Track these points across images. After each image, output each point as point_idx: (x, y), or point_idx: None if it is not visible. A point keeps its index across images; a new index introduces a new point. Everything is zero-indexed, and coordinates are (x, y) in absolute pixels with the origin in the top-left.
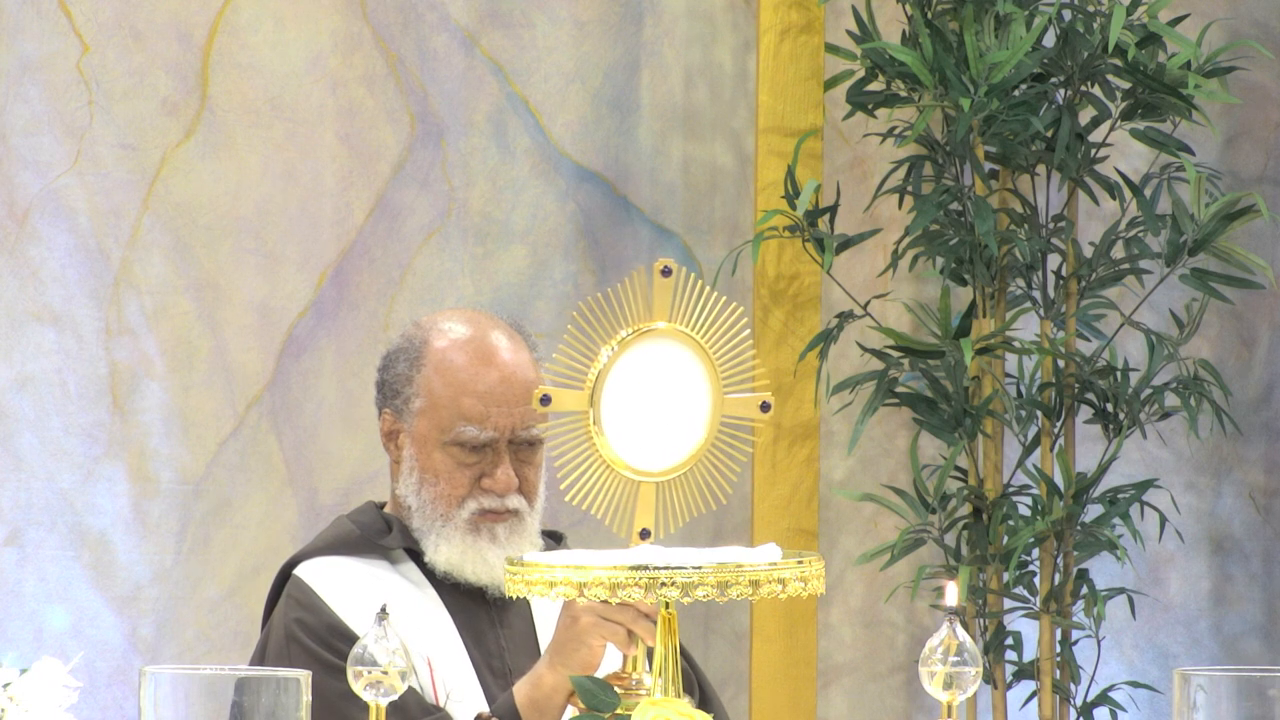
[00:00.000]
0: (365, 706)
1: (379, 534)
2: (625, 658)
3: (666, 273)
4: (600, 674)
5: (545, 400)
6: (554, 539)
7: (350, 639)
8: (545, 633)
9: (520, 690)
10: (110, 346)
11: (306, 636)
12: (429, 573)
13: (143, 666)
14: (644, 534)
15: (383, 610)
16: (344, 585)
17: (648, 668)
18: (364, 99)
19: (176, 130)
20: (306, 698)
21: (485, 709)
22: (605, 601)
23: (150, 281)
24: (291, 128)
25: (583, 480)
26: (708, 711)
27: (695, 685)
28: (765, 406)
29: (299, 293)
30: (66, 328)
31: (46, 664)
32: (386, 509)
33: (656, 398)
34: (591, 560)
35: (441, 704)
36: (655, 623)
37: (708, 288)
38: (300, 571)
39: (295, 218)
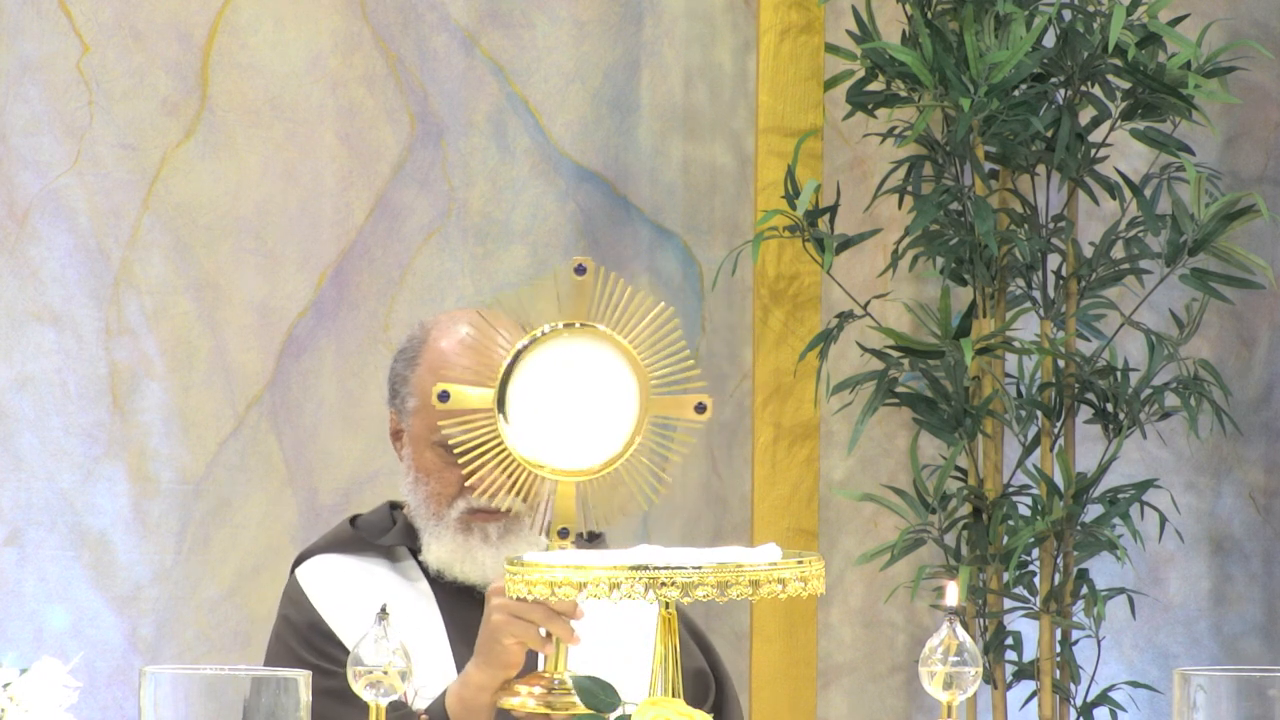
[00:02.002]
0: (343, 702)
1: (378, 533)
2: (545, 657)
3: (581, 271)
4: (522, 673)
5: (444, 396)
6: (588, 539)
7: (328, 637)
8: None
9: (451, 689)
10: (110, 346)
11: (288, 633)
12: (427, 571)
13: (143, 666)
14: (562, 533)
15: (382, 610)
16: (332, 584)
17: (568, 667)
18: (364, 99)
19: (176, 130)
20: (306, 698)
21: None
22: (522, 599)
23: (150, 281)
24: (291, 128)
25: (492, 477)
26: (724, 709)
27: (710, 683)
28: (700, 408)
29: (299, 293)
30: (66, 328)
31: (46, 664)
32: (405, 508)
33: (574, 397)
34: (591, 560)
35: (409, 701)
36: (571, 622)
37: (630, 287)
38: (298, 569)
39: (295, 218)
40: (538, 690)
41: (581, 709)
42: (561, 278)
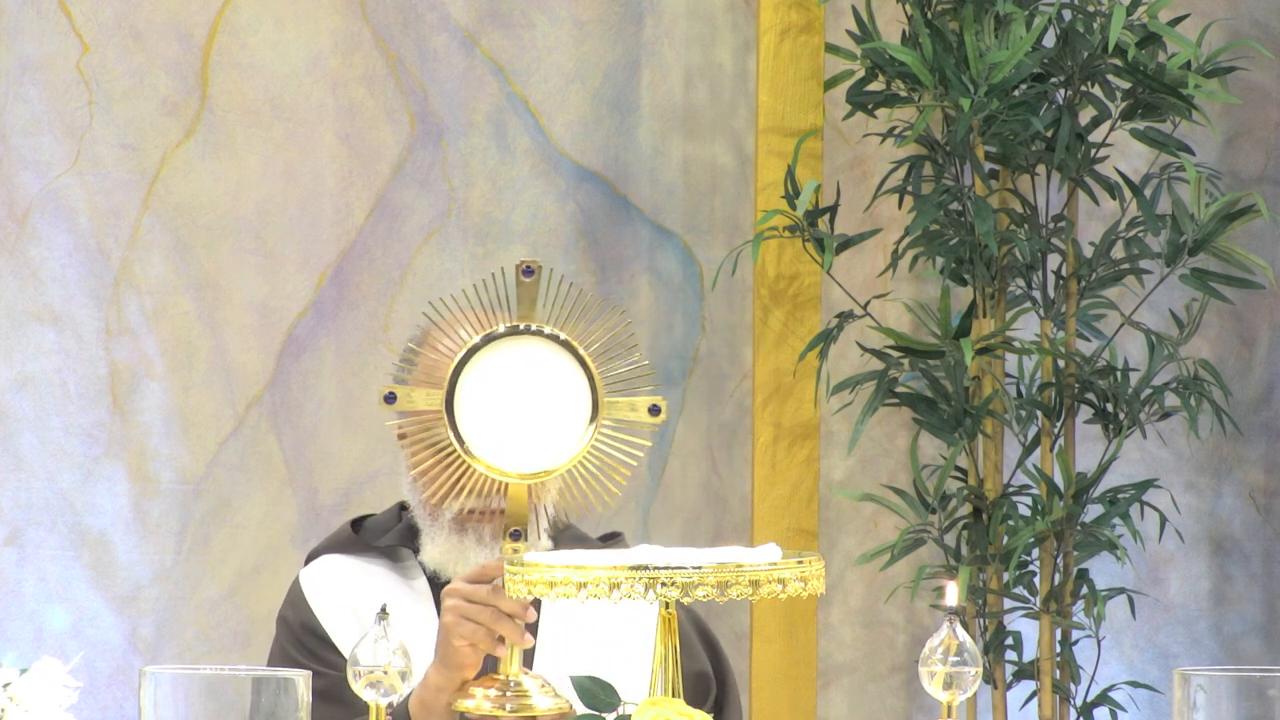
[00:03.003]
0: (330, 702)
1: (381, 534)
2: (499, 659)
3: (528, 273)
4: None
5: (390, 398)
6: (605, 540)
7: (321, 638)
8: (548, 633)
9: (414, 690)
10: (110, 346)
11: (283, 632)
12: (427, 571)
13: (143, 666)
14: (514, 535)
15: (383, 610)
16: (329, 585)
17: (526, 668)
18: (364, 99)
19: (176, 130)
20: (306, 698)
21: None
22: (471, 600)
23: (150, 281)
24: (291, 128)
25: (443, 479)
26: (725, 709)
27: (710, 685)
28: (654, 410)
29: (299, 293)
30: (66, 328)
31: (46, 664)
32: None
33: (522, 400)
34: (591, 560)
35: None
36: (521, 623)
37: (581, 289)
38: (302, 570)
39: (295, 218)
40: (493, 692)
41: (536, 710)
42: (510, 279)
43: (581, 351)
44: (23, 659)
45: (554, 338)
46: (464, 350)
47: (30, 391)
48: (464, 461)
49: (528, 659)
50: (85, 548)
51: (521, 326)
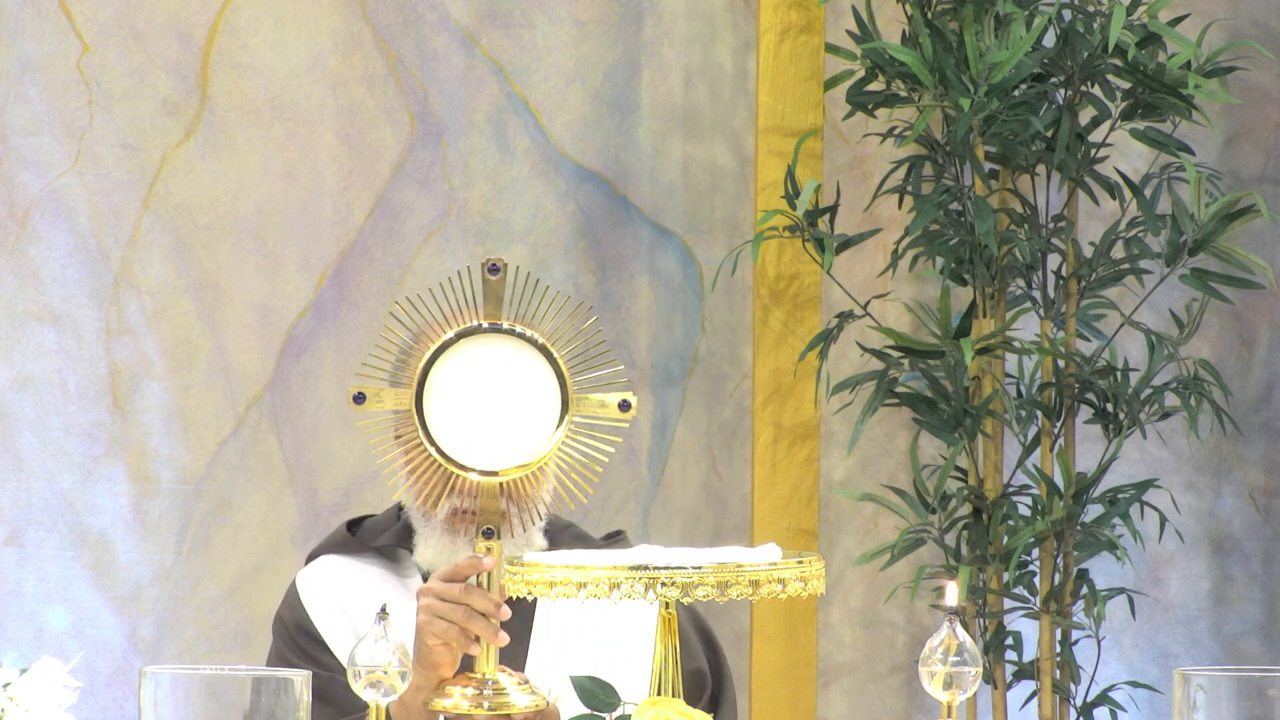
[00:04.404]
0: (320, 701)
1: (379, 534)
2: (475, 657)
3: (494, 270)
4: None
5: (360, 398)
6: (608, 539)
7: (313, 637)
8: (543, 634)
9: None
10: (110, 346)
11: (278, 631)
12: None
13: (143, 666)
14: (487, 533)
15: (382, 610)
16: (324, 585)
17: (509, 668)
18: (364, 99)
19: (176, 130)
20: (306, 698)
21: None
22: (445, 599)
23: (150, 281)
24: (291, 128)
25: (413, 477)
26: (720, 706)
27: (706, 683)
28: (625, 405)
29: (299, 293)
30: (66, 328)
31: (46, 664)
32: None
33: (492, 397)
34: (591, 560)
35: None
36: (496, 621)
37: (549, 286)
38: (300, 570)
39: (295, 218)
40: (470, 691)
41: (514, 707)
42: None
43: (550, 348)
44: (23, 659)
45: (522, 335)
46: (432, 349)
47: (30, 391)
48: (433, 461)
49: (523, 658)
50: (85, 548)
51: (489, 325)
